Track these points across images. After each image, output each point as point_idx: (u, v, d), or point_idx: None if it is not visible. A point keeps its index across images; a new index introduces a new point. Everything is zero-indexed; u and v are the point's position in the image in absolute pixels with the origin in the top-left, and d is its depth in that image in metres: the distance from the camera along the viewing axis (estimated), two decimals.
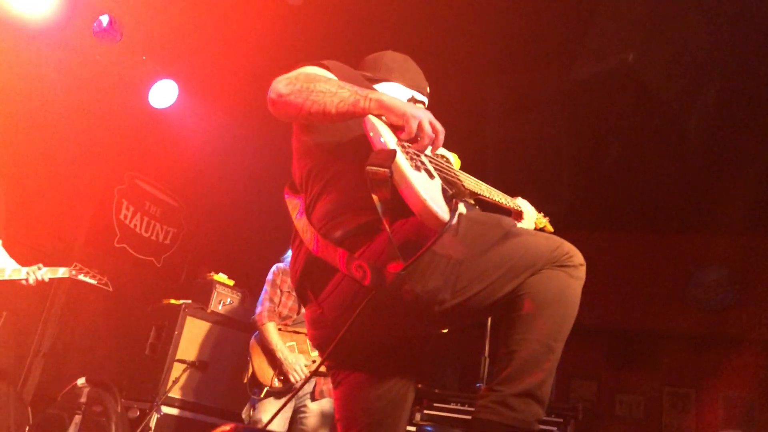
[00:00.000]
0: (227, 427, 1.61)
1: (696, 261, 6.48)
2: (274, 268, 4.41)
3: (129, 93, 5.23)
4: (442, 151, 2.12)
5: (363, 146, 1.66)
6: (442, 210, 1.58)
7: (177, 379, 4.68)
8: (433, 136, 1.70)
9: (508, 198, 2.32)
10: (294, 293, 4.27)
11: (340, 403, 1.99)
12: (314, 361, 4.05)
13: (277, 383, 4.00)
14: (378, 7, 4.39)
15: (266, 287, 4.34)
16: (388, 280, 1.62)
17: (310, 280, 1.85)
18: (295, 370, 3.99)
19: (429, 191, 1.59)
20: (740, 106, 4.59)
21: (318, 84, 1.72)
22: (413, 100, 2.16)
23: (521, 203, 2.36)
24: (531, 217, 2.35)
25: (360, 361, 1.93)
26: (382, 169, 1.53)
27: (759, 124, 4.68)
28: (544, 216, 2.47)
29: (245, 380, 4.15)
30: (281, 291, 4.30)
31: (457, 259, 1.68)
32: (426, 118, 1.69)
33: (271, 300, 4.25)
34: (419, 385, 4.87)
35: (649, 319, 6.41)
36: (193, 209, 6.55)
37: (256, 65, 4.96)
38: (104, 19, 4.56)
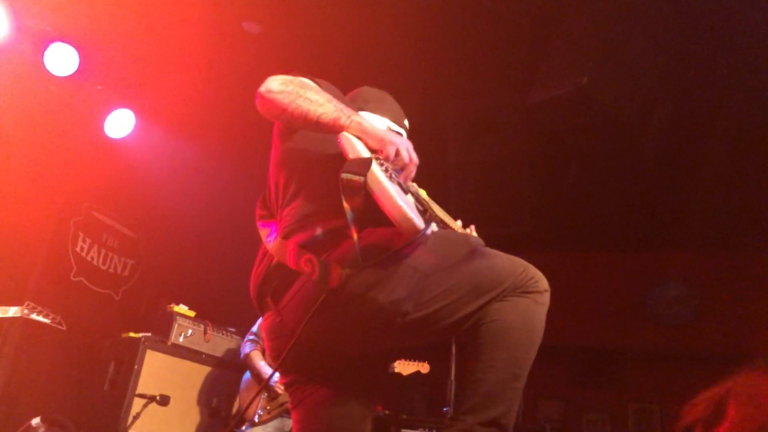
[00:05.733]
0: None
1: (655, 278, 6.60)
2: (259, 320, 4.50)
3: (84, 123, 5.14)
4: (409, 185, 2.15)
5: (338, 158, 1.69)
6: (418, 218, 1.61)
7: (137, 414, 4.57)
8: (408, 161, 1.73)
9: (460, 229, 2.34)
10: None
11: (300, 424, 1.95)
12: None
13: (257, 418, 4.21)
14: (335, 35, 4.41)
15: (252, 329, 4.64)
16: (334, 275, 1.64)
17: (270, 287, 1.84)
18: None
19: (404, 200, 1.62)
20: (693, 124, 4.72)
21: (309, 92, 1.77)
22: (389, 129, 2.17)
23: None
24: None
25: (320, 374, 1.91)
26: (357, 177, 1.56)
27: (712, 142, 4.81)
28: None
29: (233, 412, 4.44)
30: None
31: (424, 273, 1.69)
32: (403, 145, 1.74)
33: (254, 341, 4.54)
34: (386, 412, 4.84)
35: (612, 337, 6.49)
36: (151, 240, 6.42)
37: (214, 93, 4.94)
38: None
